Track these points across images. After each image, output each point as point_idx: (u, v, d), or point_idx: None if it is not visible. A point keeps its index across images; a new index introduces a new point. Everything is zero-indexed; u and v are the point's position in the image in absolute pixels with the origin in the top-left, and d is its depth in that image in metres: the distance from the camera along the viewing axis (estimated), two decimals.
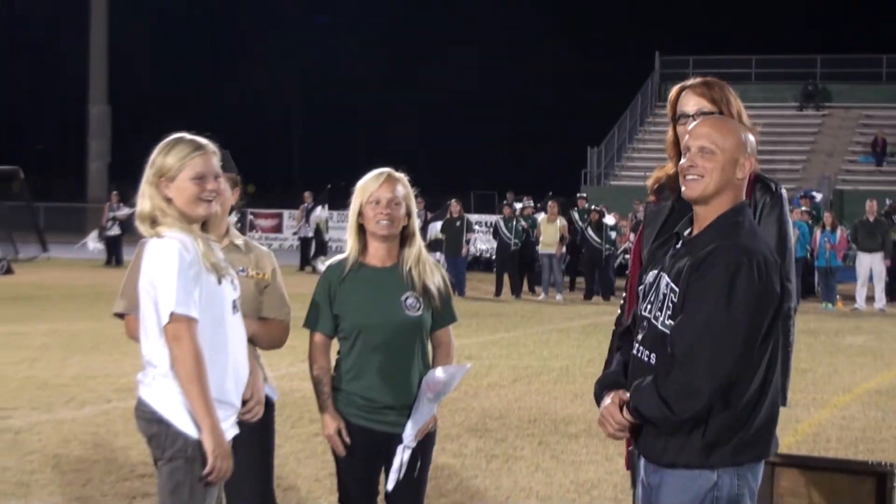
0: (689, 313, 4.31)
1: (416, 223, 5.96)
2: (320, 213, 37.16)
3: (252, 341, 5.86)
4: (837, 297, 28.25)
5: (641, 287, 4.65)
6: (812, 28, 73.00)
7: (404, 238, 5.89)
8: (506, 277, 29.68)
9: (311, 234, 37.04)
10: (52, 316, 21.53)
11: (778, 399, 4.51)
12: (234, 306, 5.12)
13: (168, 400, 4.95)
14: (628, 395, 4.45)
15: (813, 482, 5.87)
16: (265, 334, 5.92)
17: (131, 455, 9.86)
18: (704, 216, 4.48)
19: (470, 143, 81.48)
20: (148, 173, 5.07)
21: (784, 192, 5.38)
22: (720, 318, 4.24)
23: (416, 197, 6.00)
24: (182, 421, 4.93)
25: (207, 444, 4.90)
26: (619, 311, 5.62)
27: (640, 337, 4.54)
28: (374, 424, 5.79)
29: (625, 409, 4.43)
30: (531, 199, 33.98)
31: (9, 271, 32.65)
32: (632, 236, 28.97)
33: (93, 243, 38.42)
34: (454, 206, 30.43)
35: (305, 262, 36.75)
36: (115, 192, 38.78)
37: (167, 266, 4.90)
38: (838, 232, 28.54)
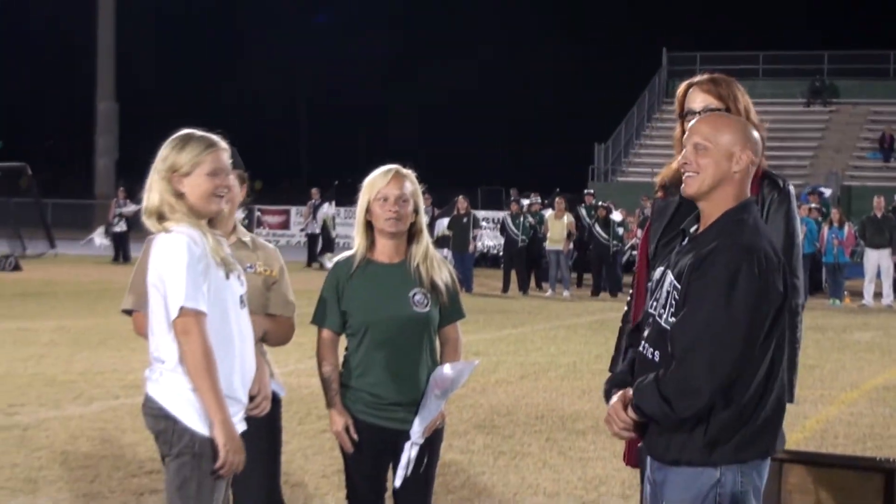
0: (689, 311, 4.31)
1: (424, 220, 5.96)
2: (327, 209, 37.20)
3: (263, 339, 5.88)
4: (845, 293, 28.22)
5: (650, 284, 4.66)
6: (820, 24, 72.99)
7: (412, 234, 5.89)
8: (513, 274, 29.68)
9: (318, 231, 37.08)
10: (59, 312, 21.55)
11: (784, 396, 4.50)
12: (242, 302, 5.13)
13: (175, 396, 4.95)
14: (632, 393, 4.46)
15: (820, 479, 5.86)
16: (274, 331, 5.94)
17: (139, 451, 9.86)
18: (708, 213, 4.48)
19: (477, 140, 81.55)
20: (159, 168, 5.06)
21: (792, 188, 5.38)
22: (720, 316, 4.23)
23: (424, 193, 6.00)
24: (189, 417, 4.93)
25: (219, 438, 4.90)
26: (625, 308, 5.62)
27: (646, 334, 4.55)
28: (382, 421, 5.79)
29: (629, 407, 4.43)
30: (538, 196, 33.97)
31: (16, 268, 32.70)
32: (639, 232, 28.99)
33: (99, 239, 38.48)
34: (461, 203, 30.44)
35: (313, 258, 36.79)
36: (121, 189, 38.83)
37: (176, 260, 4.90)
38: (846, 228, 28.53)
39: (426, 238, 5.92)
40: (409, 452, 5.78)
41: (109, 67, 60.49)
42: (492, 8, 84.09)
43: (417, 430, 5.76)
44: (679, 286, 4.38)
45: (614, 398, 4.54)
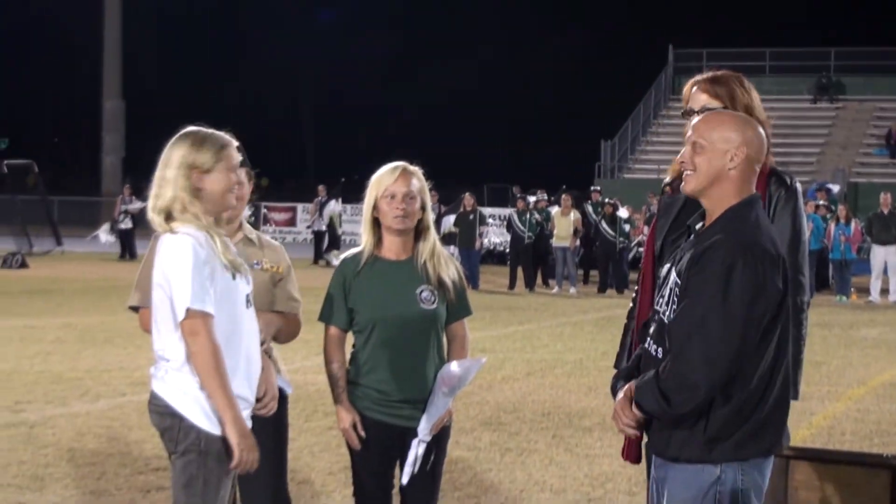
0: (685, 307, 4.33)
1: (431, 217, 5.96)
2: (334, 206, 37.22)
3: (274, 337, 5.89)
4: (852, 289, 28.21)
5: (658, 281, 4.67)
6: (826, 20, 72.90)
7: (419, 231, 5.89)
8: (519, 271, 29.69)
9: (324, 228, 37.09)
10: (66, 310, 21.58)
11: (788, 393, 4.50)
12: (248, 301, 5.13)
13: (181, 394, 4.96)
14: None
15: (827, 475, 5.86)
16: (284, 329, 5.95)
17: (145, 448, 9.87)
18: (711, 209, 4.51)
19: (485, 138, 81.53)
20: (178, 164, 5.00)
21: (799, 186, 5.38)
22: (715, 311, 4.24)
23: (430, 190, 6.00)
24: (195, 414, 4.94)
25: (231, 437, 4.90)
26: (631, 304, 5.62)
27: (651, 330, 4.56)
28: (389, 418, 5.79)
29: (633, 404, 4.44)
30: (545, 193, 33.96)
31: (23, 265, 32.73)
32: (645, 229, 28.95)
33: (104, 236, 38.48)
34: (467, 200, 30.45)
35: (319, 255, 36.80)
36: (126, 186, 38.86)
37: (181, 261, 4.90)
38: (852, 224, 28.53)
39: (433, 235, 5.92)
40: (417, 450, 5.78)
41: (116, 66, 60.59)
42: (499, 4, 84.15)
43: (425, 428, 5.76)
44: (680, 282, 4.40)
45: (620, 393, 4.55)
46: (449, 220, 30.68)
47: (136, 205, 35.90)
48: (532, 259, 29.93)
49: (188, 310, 4.85)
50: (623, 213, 30.10)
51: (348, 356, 5.92)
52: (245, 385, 5.09)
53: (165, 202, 5.02)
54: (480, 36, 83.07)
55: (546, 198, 33.02)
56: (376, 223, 5.86)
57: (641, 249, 28.52)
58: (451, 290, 5.86)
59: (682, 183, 4.58)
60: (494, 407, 12.36)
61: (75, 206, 57.11)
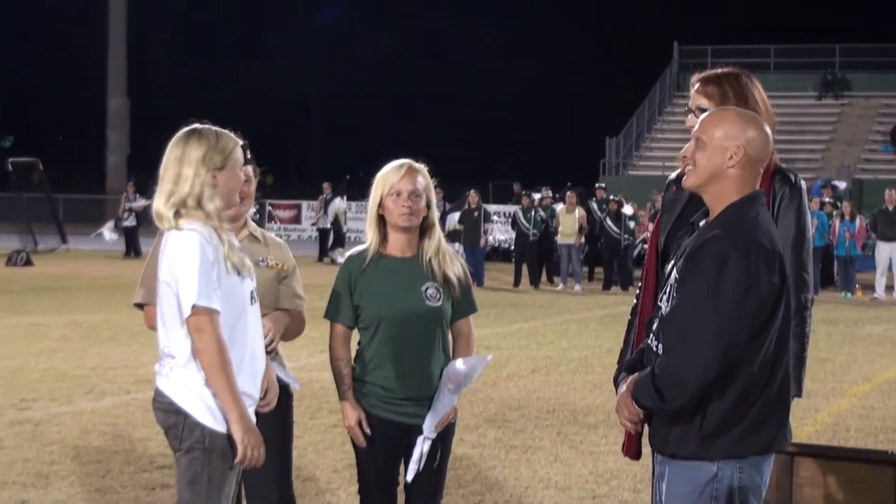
0: (678, 302, 4.34)
1: (436, 214, 5.96)
2: (339, 204, 37.20)
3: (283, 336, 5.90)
4: (857, 286, 28.21)
5: (662, 278, 4.69)
6: (831, 17, 72.76)
7: (424, 229, 5.89)
8: (524, 268, 29.69)
9: (329, 226, 37.08)
10: (71, 307, 21.59)
11: (788, 390, 4.49)
12: (252, 297, 5.13)
13: (186, 391, 4.96)
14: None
15: (832, 472, 5.86)
16: (289, 326, 5.96)
17: (150, 446, 9.89)
18: (713, 206, 4.51)
19: (488, 134, 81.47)
20: (198, 161, 5.00)
21: (803, 183, 5.38)
22: (706, 307, 4.24)
23: (435, 187, 6.00)
24: (200, 412, 4.94)
25: (237, 433, 4.91)
26: (635, 301, 5.62)
27: (654, 327, 4.56)
28: (395, 415, 5.79)
29: (632, 399, 4.46)
30: (549, 190, 33.95)
31: (28, 263, 32.73)
32: (650, 226, 28.91)
33: (109, 233, 38.52)
34: (472, 197, 30.47)
35: (324, 253, 36.81)
36: (130, 183, 38.88)
37: (189, 258, 4.90)
38: (857, 221, 28.51)
39: (438, 232, 5.92)
40: (422, 447, 5.78)
41: (121, 64, 60.60)
42: (505, 0, 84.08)
43: (430, 425, 5.76)
44: (678, 277, 4.41)
45: (622, 386, 4.55)
46: (454, 218, 30.67)
47: (140, 202, 35.93)
48: (537, 256, 29.94)
49: (194, 306, 4.85)
50: (628, 209, 30.10)
51: (354, 353, 5.93)
52: (250, 382, 5.09)
53: (181, 197, 5.01)
54: (485, 31, 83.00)
55: (551, 195, 33.02)
56: (382, 220, 5.86)
57: (646, 246, 28.61)
58: (457, 287, 5.86)
59: (684, 177, 4.60)
60: (499, 404, 12.36)
61: (80, 203, 57.16)
